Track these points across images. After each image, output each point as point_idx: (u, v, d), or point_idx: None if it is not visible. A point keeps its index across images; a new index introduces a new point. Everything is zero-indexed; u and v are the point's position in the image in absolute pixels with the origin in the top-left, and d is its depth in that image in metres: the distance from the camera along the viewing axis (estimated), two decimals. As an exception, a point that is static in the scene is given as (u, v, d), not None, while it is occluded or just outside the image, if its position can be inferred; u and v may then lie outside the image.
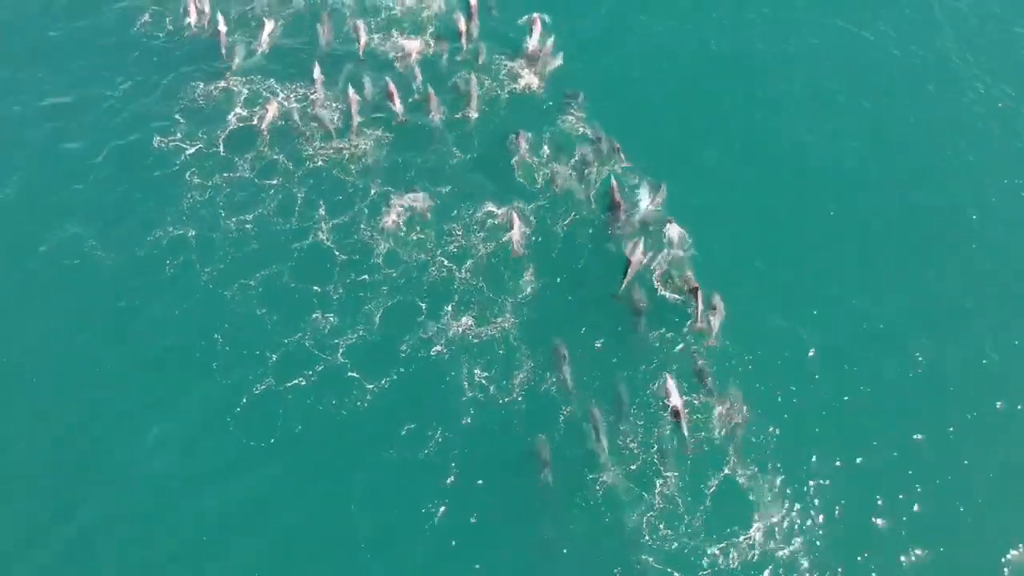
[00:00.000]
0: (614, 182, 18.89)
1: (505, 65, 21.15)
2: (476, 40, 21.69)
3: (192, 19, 21.46)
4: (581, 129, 19.94)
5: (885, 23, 22.95)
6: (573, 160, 19.42)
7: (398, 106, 19.97)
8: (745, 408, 16.18)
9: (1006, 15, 23.43)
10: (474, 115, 20.12)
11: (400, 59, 21.14)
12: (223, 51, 20.97)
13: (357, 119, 19.81)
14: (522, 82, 20.82)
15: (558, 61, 21.43)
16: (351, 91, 20.06)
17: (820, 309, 17.70)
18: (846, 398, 16.58)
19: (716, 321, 17.09)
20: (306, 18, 21.97)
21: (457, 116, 20.14)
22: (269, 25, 21.63)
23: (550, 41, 21.56)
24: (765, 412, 16.20)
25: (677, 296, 17.50)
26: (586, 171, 19.27)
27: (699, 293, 17.13)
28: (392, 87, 20.12)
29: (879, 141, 20.59)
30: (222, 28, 21.12)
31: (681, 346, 16.90)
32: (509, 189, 19.01)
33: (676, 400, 15.92)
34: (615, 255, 17.99)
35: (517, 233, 18.07)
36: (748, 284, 17.92)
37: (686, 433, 15.67)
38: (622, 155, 19.55)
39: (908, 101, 21.36)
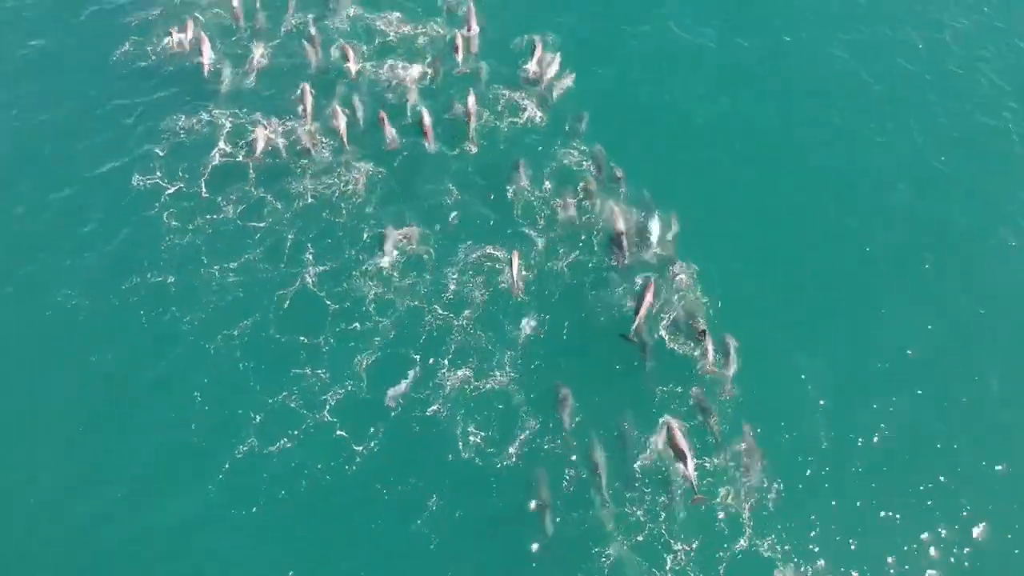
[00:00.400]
0: (616, 208, 17.87)
1: (504, 95, 20.04)
2: (476, 63, 20.64)
3: (173, 41, 20.38)
4: (585, 164, 18.82)
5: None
6: (578, 196, 18.30)
7: (388, 131, 18.95)
8: (760, 460, 15.07)
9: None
10: (474, 149, 19.04)
11: (396, 86, 20.03)
12: (206, 72, 19.95)
13: (346, 139, 18.91)
14: (524, 114, 19.71)
15: (568, 82, 20.33)
16: (338, 107, 19.16)
17: (839, 349, 16.79)
18: (873, 445, 15.57)
19: (731, 368, 16.06)
20: (296, 48, 20.85)
21: (454, 152, 19.03)
22: (258, 50, 20.59)
23: (555, 62, 20.48)
24: (783, 466, 15.15)
25: (688, 344, 16.37)
26: (587, 203, 18.23)
27: (708, 336, 16.14)
28: (383, 114, 19.15)
29: (900, 174, 19.56)
30: (206, 48, 20.10)
31: (691, 389, 15.90)
32: (509, 229, 17.94)
33: (682, 443, 14.83)
34: (621, 296, 16.97)
35: (517, 275, 17.00)
36: (761, 323, 16.91)
37: (693, 480, 14.57)
38: (623, 182, 18.56)
39: (934, 131, 20.21)
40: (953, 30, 23.18)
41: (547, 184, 18.58)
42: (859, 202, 19.11)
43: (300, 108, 19.29)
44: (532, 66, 20.41)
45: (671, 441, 14.89)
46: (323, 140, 19.07)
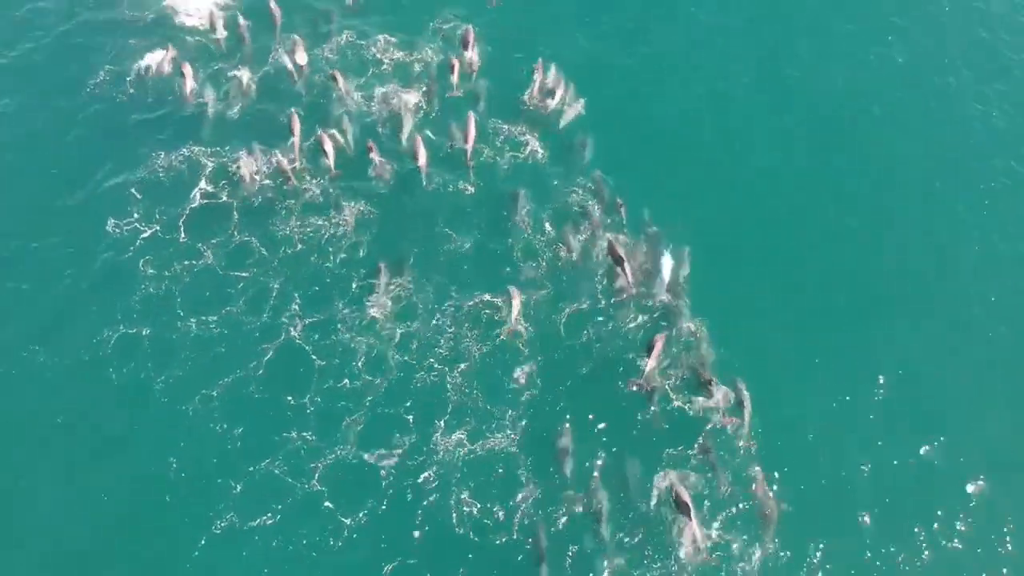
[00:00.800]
0: (610, 237, 16.98)
1: (504, 128, 18.90)
2: (475, 86, 19.63)
3: (152, 67, 19.30)
4: (590, 204, 17.67)
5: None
6: (582, 236, 17.25)
7: (377, 159, 17.96)
8: (774, 509, 14.19)
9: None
10: (471, 176, 17.90)
11: (390, 116, 18.91)
12: (189, 99, 18.95)
13: (333, 164, 17.92)
14: (526, 148, 18.57)
15: (579, 109, 19.19)
16: (324, 134, 18.17)
17: (852, 391, 15.93)
18: (887, 490, 14.80)
19: (747, 417, 15.13)
20: (284, 80, 19.72)
21: (450, 189, 17.88)
22: (244, 75, 19.45)
23: (560, 86, 19.43)
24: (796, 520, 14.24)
25: (693, 400, 15.32)
26: (584, 238, 17.24)
27: (716, 385, 15.24)
28: (372, 144, 18.17)
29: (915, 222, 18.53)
30: (188, 74, 19.10)
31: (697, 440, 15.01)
32: (508, 274, 16.79)
33: (684, 496, 14.00)
34: (626, 346, 15.96)
35: (516, 312, 16.05)
36: (771, 367, 16.02)
37: (699, 538, 13.74)
38: (624, 211, 17.52)
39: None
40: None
41: (548, 226, 17.40)
42: (869, 240, 18.13)
43: (290, 140, 18.17)
44: (534, 92, 19.27)
45: (676, 498, 14.04)
46: (310, 172, 17.95)
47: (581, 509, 14.19)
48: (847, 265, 17.62)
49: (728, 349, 15.99)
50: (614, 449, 14.93)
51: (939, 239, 18.13)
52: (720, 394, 15.32)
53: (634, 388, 15.42)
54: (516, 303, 16.12)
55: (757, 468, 14.68)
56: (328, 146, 17.96)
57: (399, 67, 20.02)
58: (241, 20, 20.55)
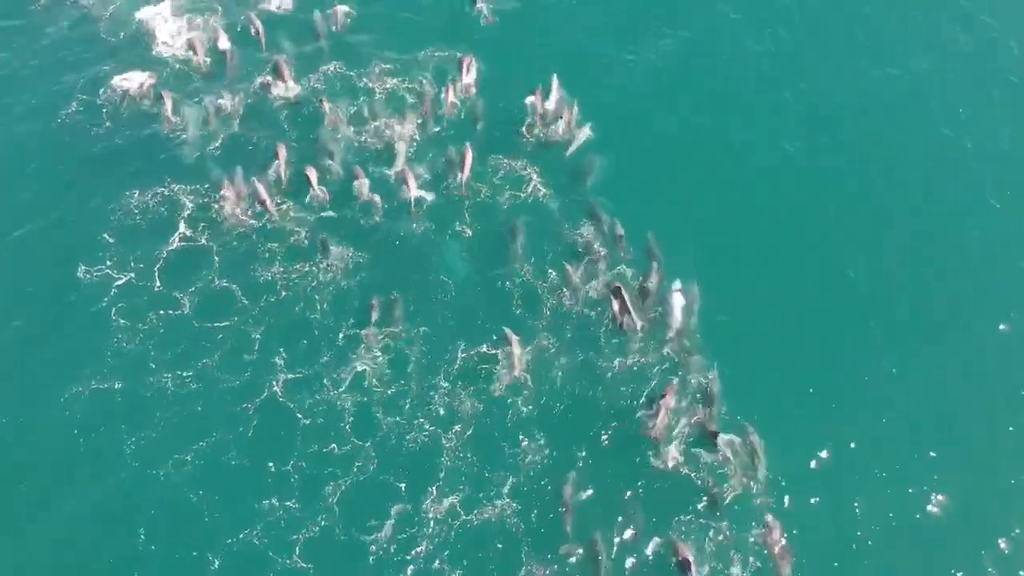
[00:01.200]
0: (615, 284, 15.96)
1: (504, 163, 17.87)
2: (473, 112, 18.70)
3: (128, 93, 18.21)
4: (602, 251, 16.58)
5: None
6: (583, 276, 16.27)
7: (363, 189, 17.05)
8: (786, 549, 13.42)
9: None
10: (468, 232, 16.86)
11: (384, 147, 17.93)
12: (166, 129, 17.90)
13: (315, 185, 17.03)
14: (528, 187, 17.52)
15: (585, 133, 18.20)
16: (309, 170, 17.13)
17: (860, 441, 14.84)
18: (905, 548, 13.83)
19: (761, 470, 14.23)
20: (269, 108, 18.65)
21: (448, 233, 16.83)
22: (228, 102, 18.39)
23: (565, 111, 18.41)
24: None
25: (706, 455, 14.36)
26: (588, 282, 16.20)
27: (720, 440, 14.37)
28: (358, 170, 17.30)
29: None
30: (168, 103, 18.14)
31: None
32: (507, 322, 15.66)
33: (685, 553, 13.29)
34: (634, 394, 14.98)
35: (517, 354, 15.09)
36: (784, 410, 15.04)
37: None
38: (624, 243, 16.57)
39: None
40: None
41: (551, 271, 16.33)
42: (885, 268, 17.14)
43: (272, 169, 17.22)
44: (537, 121, 18.29)
45: (676, 554, 13.32)
46: (294, 209, 16.93)
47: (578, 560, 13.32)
48: (862, 303, 16.62)
49: (738, 393, 15.01)
50: (619, 512, 13.91)
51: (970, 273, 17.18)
52: (727, 448, 14.38)
53: (649, 434, 14.53)
54: (516, 350, 15.13)
55: (770, 516, 13.71)
56: (314, 179, 16.99)
57: (392, 96, 18.92)
58: (224, 42, 19.45)
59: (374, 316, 15.48)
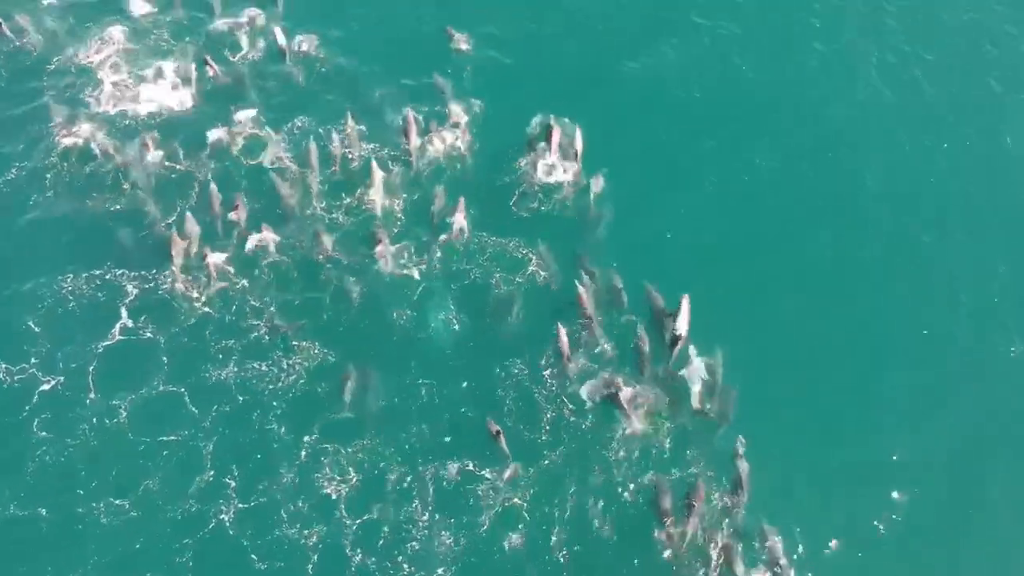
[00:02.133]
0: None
1: (491, 243, 15.83)
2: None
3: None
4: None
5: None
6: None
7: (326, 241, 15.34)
8: None
9: None
10: (456, 326, 14.83)
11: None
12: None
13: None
14: (526, 271, 15.47)
15: (600, 185, 16.42)
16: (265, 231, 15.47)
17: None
18: None
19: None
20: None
21: (428, 328, 14.78)
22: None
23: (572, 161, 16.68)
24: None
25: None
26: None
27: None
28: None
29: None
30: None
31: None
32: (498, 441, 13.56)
33: None
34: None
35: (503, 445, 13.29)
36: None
37: None
38: (623, 296, 14.93)
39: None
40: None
41: (548, 375, 14.29)
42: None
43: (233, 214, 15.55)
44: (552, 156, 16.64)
45: None
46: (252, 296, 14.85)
47: None
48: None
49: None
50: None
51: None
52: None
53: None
54: (502, 442, 13.29)
55: None
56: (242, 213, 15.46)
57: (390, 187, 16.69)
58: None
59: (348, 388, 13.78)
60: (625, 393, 13.83)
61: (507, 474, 13.23)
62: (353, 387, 13.81)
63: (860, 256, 16.45)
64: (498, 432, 13.29)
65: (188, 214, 15.43)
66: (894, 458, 13.92)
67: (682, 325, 14.36)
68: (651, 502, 13.01)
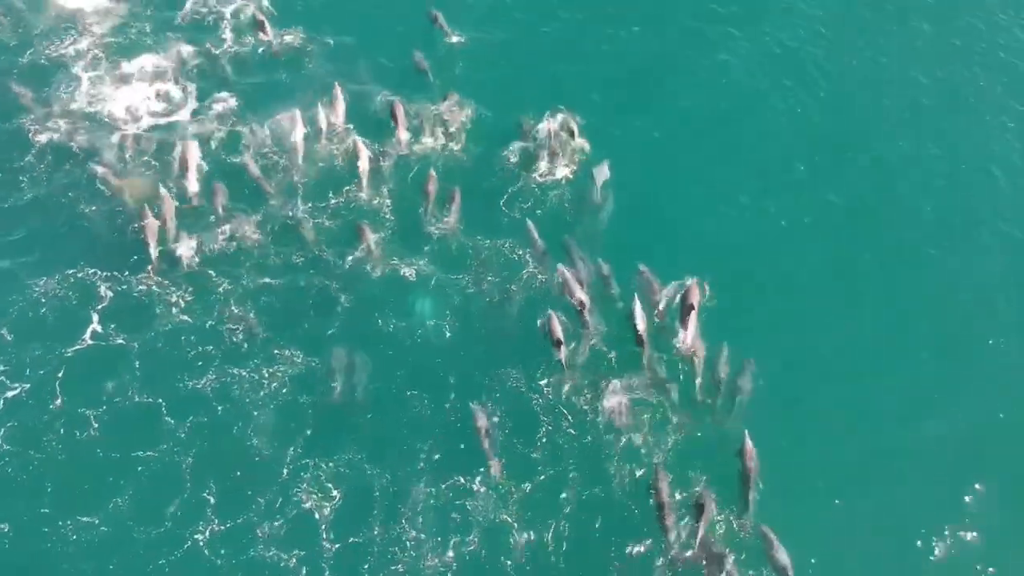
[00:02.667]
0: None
1: (485, 245, 15.01)
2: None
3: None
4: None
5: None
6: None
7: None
8: None
9: None
10: (447, 333, 14.03)
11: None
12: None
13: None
14: (524, 271, 14.60)
15: (604, 175, 15.62)
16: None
17: None
18: None
19: None
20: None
21: (428, 325, 13.97)
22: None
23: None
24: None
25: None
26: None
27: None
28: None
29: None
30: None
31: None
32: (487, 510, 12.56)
33: None
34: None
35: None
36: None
37: None
38: (612, 282, 14.26)
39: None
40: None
41: (546, 384, 13.50)
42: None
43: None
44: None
45: None
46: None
47: None
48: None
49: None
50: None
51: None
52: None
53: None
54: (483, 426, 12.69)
55: None
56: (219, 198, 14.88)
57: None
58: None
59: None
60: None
61: (492, 470, 12.52)
62: (342, 370, 13.20)
63: (875, 255, 15.71)
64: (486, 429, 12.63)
65: (162, 191, 14.61)
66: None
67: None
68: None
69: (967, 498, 12.75)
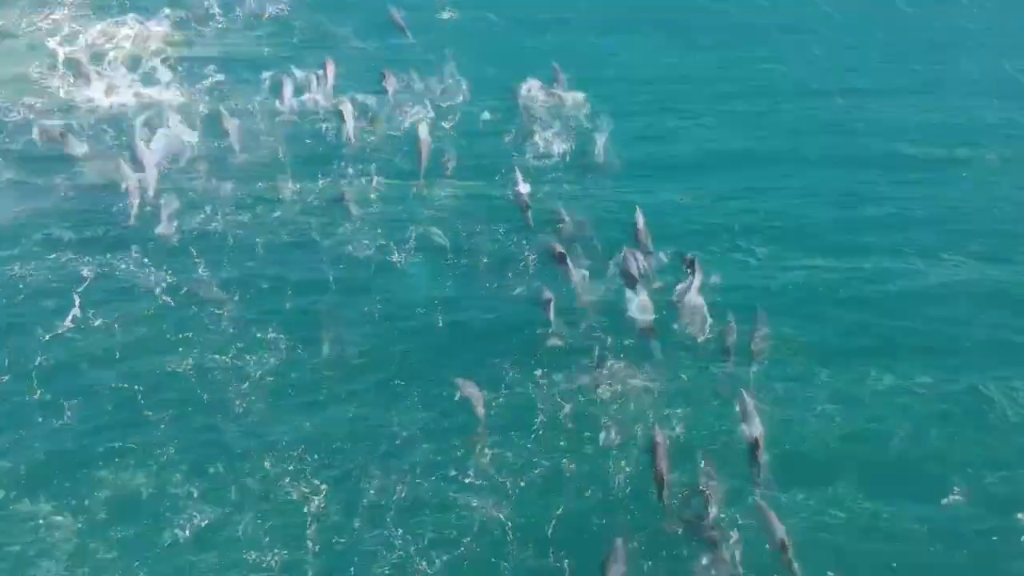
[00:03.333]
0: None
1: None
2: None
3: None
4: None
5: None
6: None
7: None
8: None
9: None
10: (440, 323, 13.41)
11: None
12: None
13: None
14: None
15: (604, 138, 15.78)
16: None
17: None
18: None
19: None
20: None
21: (420, 309, 13.35)
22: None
23: None
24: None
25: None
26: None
27: None
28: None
29: None
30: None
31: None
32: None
33: None
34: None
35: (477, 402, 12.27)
36: None
37: None
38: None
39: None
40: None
41: (540, 374, 12.73)
42: None
43: None
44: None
45: None
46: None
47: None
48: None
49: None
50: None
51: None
52: None
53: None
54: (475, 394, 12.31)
55: None
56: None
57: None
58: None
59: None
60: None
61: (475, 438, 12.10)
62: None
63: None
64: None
65: (140, 144, 14.35)
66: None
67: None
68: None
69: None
